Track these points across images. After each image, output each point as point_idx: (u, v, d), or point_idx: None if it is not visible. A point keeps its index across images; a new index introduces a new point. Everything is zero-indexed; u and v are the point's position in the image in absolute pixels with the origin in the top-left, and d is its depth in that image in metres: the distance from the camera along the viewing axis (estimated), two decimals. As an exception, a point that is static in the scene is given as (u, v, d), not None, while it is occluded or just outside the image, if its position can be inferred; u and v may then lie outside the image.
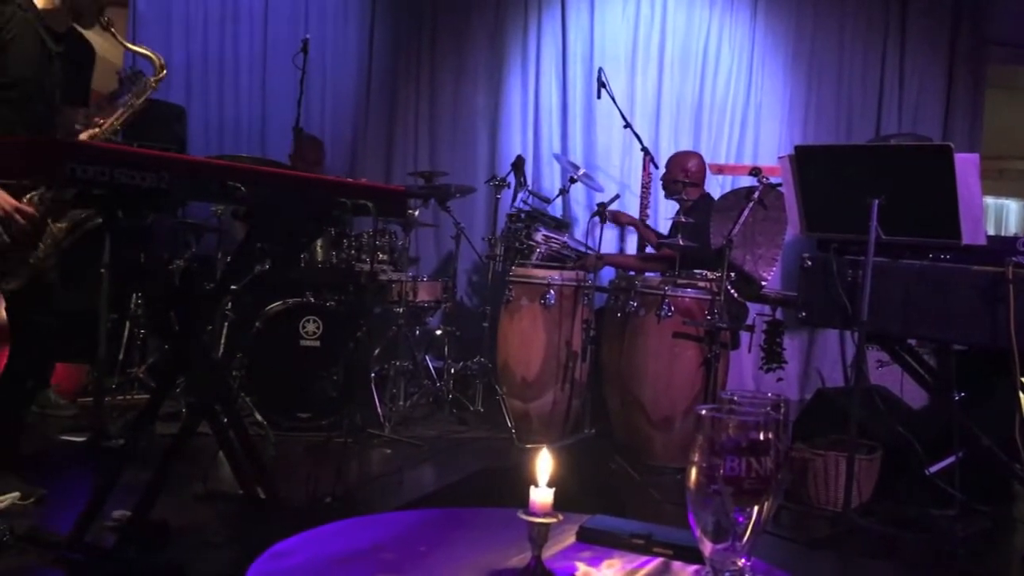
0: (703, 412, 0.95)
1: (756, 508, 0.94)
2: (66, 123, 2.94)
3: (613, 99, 5.19)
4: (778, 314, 3.91)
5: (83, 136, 2.85)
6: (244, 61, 5.54)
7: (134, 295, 4.63)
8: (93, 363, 4.17)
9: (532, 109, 5.75)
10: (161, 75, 2.94)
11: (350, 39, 5.65)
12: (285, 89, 5.22)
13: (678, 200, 4.44)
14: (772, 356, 3.78)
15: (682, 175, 4.71)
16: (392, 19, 5.69)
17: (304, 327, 4.31)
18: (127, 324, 4.62)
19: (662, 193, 5.19)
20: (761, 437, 0.94)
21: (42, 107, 2.84)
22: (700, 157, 4.94)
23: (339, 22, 5.64)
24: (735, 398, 1.05)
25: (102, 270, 3.99)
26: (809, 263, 3.30)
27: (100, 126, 2.86)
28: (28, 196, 2.69)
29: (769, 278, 4.04)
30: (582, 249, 4.72)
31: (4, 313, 2.97)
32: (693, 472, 0.95)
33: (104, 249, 3.98)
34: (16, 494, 2.77)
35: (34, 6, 2.81)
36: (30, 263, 2.76)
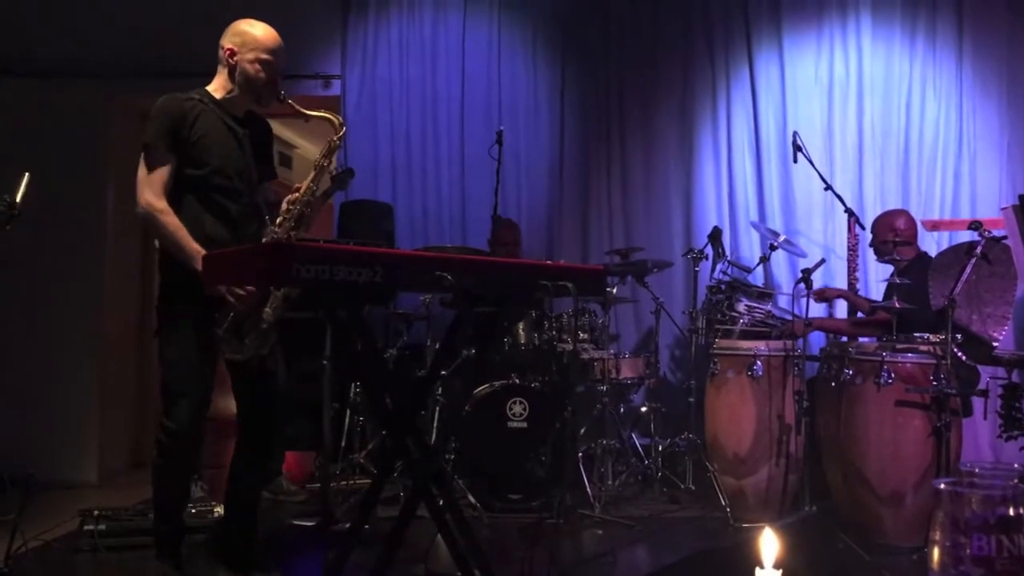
0: (941, 486, 0.89)
1: (1012, 592, 0.86)
2: (266, 198, 3.17)
3: (811, 161, 5.04)
4: (1015, 376, 3.58)
5: (285, 202, 3.03)
6: (444, 157, 5.82)
7: (353, 384, 4.89)
8: (319, 451, 4.41)
9: (726, 178, 5.67)
10: (341, 132, 3.07)
11: (541, 125, 5.83)
12: (482, 180, 5.44)
13: (890, 261, 4.23)
14: (1012, 423, 3.45)
15: (891, 235, 4.47)
16: (581, 101, 5.83)
17: (511, 409, 4.39)
18: (348, 412, 4.86)
19: (870, 255, 4.95)
20: (1011, 512, 0.86)
21: (245, 188, 3.06)
22: (908, 214, 4.69)
23: (530, 110, 5.84)
24: (976, 470, 0.97)
25: (324, 362, 4.25)
26: (1047, 319, 3.02)
27: (298, 190, 3.02)
28: None
29: (1001, 338, 3.73)
30: (787, 317, 4.56)
31: (233, 408, 3.22)
32: (936, 552, 0.88)
33: (325, 341, 4.25)
34: (255, 578, 2.94)
35: (213, 98, 3.04)
36: (263, 328, 2.96)
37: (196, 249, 2.84)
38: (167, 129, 2.91)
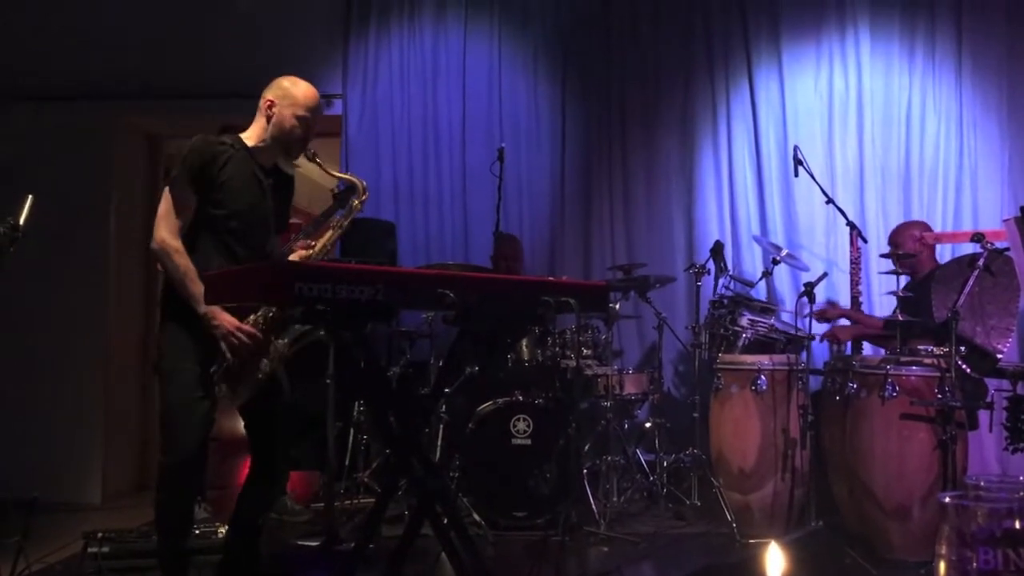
0: (947, 500, 0.89)
1: (1020, 606, 0.86)
2: (278, 248, 3.20)
3: (812, 175, 5.05)
4: (1020, 389, 3.57)
5: (297, 257, 3.06)
6: (445, 176, 5.83)
7: (356, 402, 4.88)
8: (323, 470, 4.40)
9: (727, 193, 5.67)
10: (364, 197, 3.15)
11: (543, 142, 5.84)
12: (484, 197, 5.44)
13: (907, 272, 4.19)
14: (1018, 435, 3.44)
15: (918, 245, 4.46)
16: (582, 118, 5.84)
17: (515, 426, 4.38)
18: (351, 431, 4.85)
19: (873, 268, 4.94)
20: (1017, 526, 0.85)
21: (260, 235, 3.08)
22: (924, 223, 4.73)
23: (531, 127, 5.85)
24: (982, 483, 0.97)
25: (328, 380, 4.25)
26: (1051, 331, 3.02)
27: (312, 247, 3.07)
28: (251, 317, 2.92)
29: (1005, 350, 3.72)
30: (791, 331, 4.55)
31: (238, 428, 3.22)
32: (942, 566, 0.88)
33: (329, 360, 4.25)
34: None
35: (245, 145, 3.08)
36: (258, 378, 2.97)
37: (202, 293, 2.85)
38: (196, 169, 2.94)
